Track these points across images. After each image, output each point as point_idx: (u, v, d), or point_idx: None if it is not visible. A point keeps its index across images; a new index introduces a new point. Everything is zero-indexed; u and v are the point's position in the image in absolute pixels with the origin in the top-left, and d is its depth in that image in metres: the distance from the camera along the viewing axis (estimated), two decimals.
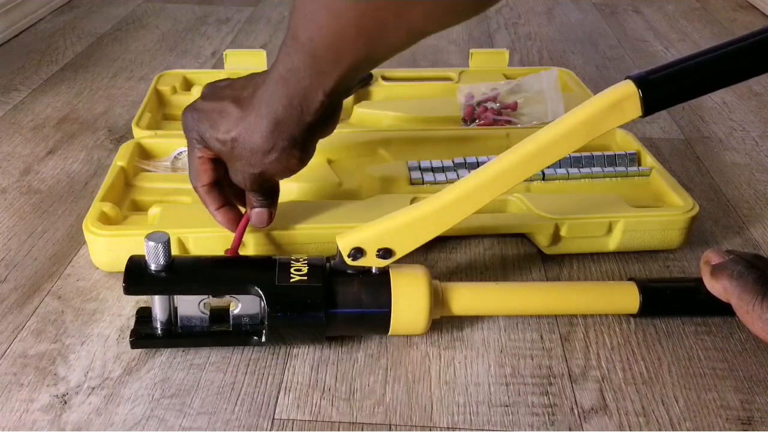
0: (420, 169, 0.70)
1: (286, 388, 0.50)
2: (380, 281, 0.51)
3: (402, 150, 0.74)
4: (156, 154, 0.73)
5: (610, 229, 0.63)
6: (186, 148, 0.72)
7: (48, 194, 0.72)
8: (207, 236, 0.59)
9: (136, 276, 0.49)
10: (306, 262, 0.51)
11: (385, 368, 0.52)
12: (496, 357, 0.53)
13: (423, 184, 0.69)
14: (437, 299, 0.53)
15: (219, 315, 0.53)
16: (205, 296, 0.51)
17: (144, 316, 0.53)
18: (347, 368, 0.52)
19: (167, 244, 0.49)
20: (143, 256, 0.49)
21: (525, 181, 0.56)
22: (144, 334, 0.52)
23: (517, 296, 0.55)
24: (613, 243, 0.63)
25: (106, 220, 0.60)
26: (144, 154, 0.73)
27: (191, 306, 0.51)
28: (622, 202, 0.64)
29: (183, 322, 0.52)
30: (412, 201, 0.64)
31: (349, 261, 0.51)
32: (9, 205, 0.70)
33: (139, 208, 0.66)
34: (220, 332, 0.52)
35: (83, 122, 0.88)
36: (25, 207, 0.70)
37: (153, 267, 0.49)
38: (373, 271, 0.52)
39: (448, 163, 0.70)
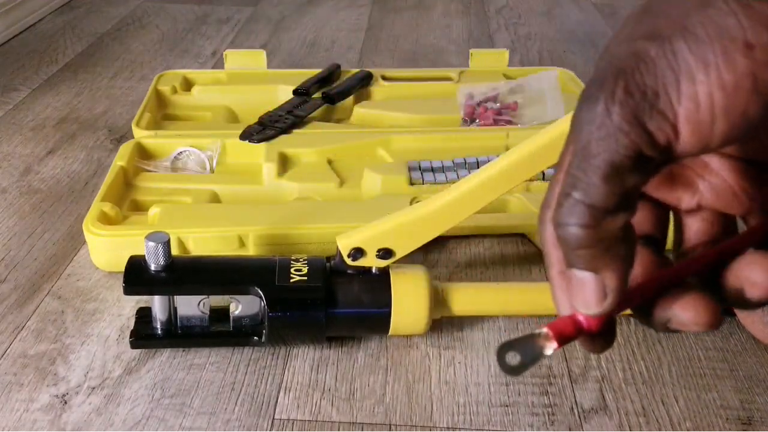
0: (420, 169, 0.70)
1: (286, 388, 0.50)
2: (380, 281, 0.51)
3: (402, 150, 0.74)
4: (156, 154, 0.73)
5: None
6: (185, 148, 0.72)
7: (48, 194, 0.72)
8: (207, 236, 0.59)
9: (136, 276, 0.49)
10: (306, 262, 0.51)
11: (385, 368, 0.52)
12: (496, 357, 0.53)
13: (423, 184, 0.69)
14: (437, 299, 0.53)
15: (219, 315, 0.53)
16: (205, 296, 0.51)
17: (144, 316, 0.53)
18: (347, 368, 0.52)
19: (167, 245, 0.49)
20: (143, 257, 0.49)
21: (525, 180, 0.55)
22: (144, 335, 0.52)
23: (517, 296, 0.55)
24: None
25: (106, 220, 0.60)
26: (144, 154, 0.73)
27: (191, 306, 0.51)
28: None
29: (183, 322, 0.52)
30: (412, 201, 0.64)
31: (349, 261, 0.51)
32: (9, 205, 0.70)
33: (139, 208, 0.66)
34: (220, 332, 0.52)
35: (83, 122, 0.88)
36: (25, 207, 0.70)
37: (153, 267, 0.49)
38: (373, 271, 0.52)
39: (448, 163, 0.70)
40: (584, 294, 0.24)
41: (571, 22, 1.30)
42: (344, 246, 0.50)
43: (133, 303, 0.57)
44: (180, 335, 0.52)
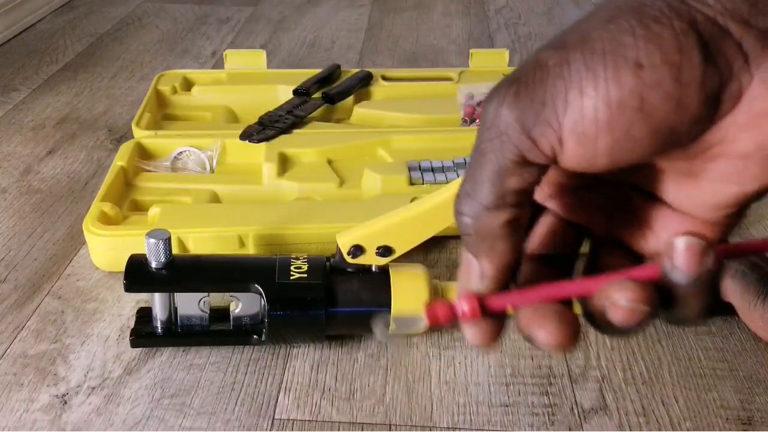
0: (420, 169, 0.70)
1: (286, 388, 0.50)
2: (380, 279, 0.51)
3: (402, 150, 0.74)
4: (156, 154, 0.73)
5: None
6: (185, 148, 0.72)
7: (48, 194, 0.72)
8: (207, 236, 0.59)
9: (137, 274, 0.49)
10: (306, 260, 0.51)
11: (385, 368, 0.52)
12: (496, 357, 0.53)
13: (423, 184, 0.69)
14: (437, 298, 0.53)
15: (219, 314, 0.53)
16: (205, 294, 0.51)
17: (144, 315, 0.53)
18: (347, 368, 0.52)
19: (168, 242, 0.49)
20: (144, 255, 0.49)
21: None
22: (144, 333, 0.52)
23: None
24: None
25: (106, 220, 0.60)
26: (144, 154, 0.73)
27: (191, 305, 0.51)
28: None
29: (183, 321, 0.52)
30: (412, 201, 0.64)
31: (348, 259, 0.51)
32: (9, 205, 0.70)
33: (139, 208, 0.66)
34: (221, 331, 0.52)
35: (83, 122, 0.88)
36: (25, 207, 0.70)
37: (154, 264, 0.49)
38: (373, 269, 0.52)
39: (448, 163, 0.70)
40: (469, 272, 0.27)
41: (571, 22, 1.29)
42: (344, 243, 0.50)
43: (133, 303, 0.57)
44: (180, 334, 0.52)
